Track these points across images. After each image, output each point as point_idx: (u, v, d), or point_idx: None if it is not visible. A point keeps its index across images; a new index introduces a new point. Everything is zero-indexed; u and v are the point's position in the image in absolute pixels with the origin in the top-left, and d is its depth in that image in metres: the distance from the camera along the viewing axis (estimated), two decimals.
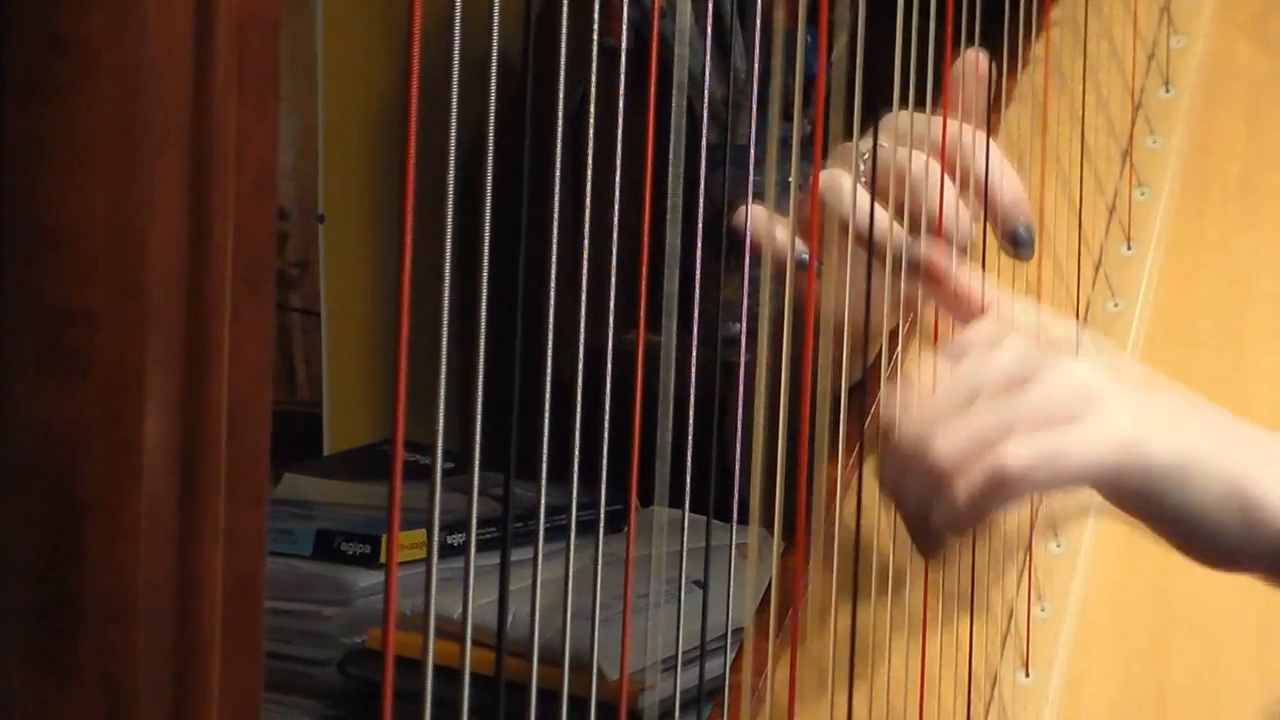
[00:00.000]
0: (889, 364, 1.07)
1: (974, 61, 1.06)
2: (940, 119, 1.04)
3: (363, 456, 2.23)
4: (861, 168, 1.01)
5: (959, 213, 1.02)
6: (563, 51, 0.73)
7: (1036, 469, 0.82)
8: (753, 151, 0.94)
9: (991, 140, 1.05)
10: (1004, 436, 0.83)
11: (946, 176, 1.02)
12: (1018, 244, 1.03)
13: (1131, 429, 0.84)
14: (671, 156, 0.82)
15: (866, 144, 1.02)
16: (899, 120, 1.03)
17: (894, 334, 1.07)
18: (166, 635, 0.55)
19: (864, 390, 1.07)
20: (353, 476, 2.14)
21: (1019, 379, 0.85)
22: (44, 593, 0.55)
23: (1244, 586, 1.00)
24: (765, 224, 0.98)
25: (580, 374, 0.74)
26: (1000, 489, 0.82)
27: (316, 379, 2.37)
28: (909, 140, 1.02)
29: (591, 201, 0.76)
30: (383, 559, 1.93)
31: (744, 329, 0.89)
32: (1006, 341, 0.87)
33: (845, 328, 0.95)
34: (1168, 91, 1.27)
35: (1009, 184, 1.03)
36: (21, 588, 0.55)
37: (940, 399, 0.84)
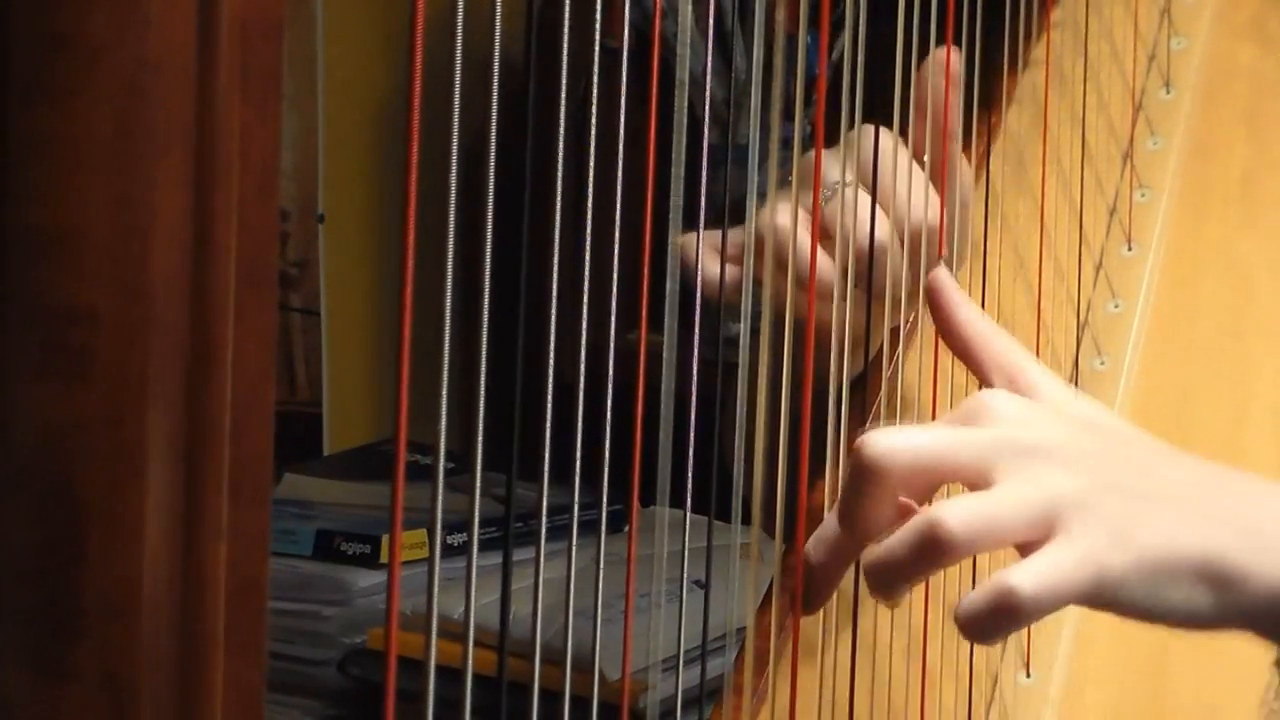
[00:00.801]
0: (889, 363, 1.07)
1: (942, 61, 1.06)
2: (905, 148, 1.04)
3: (363, 456, 2.24)
4: (824, 200, 1.02)
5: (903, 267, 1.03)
6: (565, 51, 0.73)
7: (1040, 597, 0.80)
8: (754, 152, 0.94)
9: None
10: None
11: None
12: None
13: (1100, 546, 0.80)
14: (674, 156, 0.82)
15: (834, 174, 1.01)
16: (864, 143, 1.02)
17: (895, 332, 1.07)
18: (169, 635, 0.55)
19: (865, 388, 1.07)
20: (353, 476, 2.14)
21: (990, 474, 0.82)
22: (45, 593, 0.55)
23: None
24: (694, 252, 0.98)
25: (581, 374, 0.74)
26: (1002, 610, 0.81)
27: (316, 379, 2.37)
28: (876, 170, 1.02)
29: (592, 201, 0.76)
30: (383, 559, 1.94)
31: (745, 328, 0.89)
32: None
33: (845, 328, 0.95)
34: (1168, 93, 1.27)
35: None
36: (23, 588, 0.55)
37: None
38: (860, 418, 1.06)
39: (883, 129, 1.02)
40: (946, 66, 1.05)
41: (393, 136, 2.44)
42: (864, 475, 0.82)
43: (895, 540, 0.81)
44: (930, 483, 0.83)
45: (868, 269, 1.02)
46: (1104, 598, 0.81)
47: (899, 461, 0.81)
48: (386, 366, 2.41)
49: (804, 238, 0.98)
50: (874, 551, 0.83)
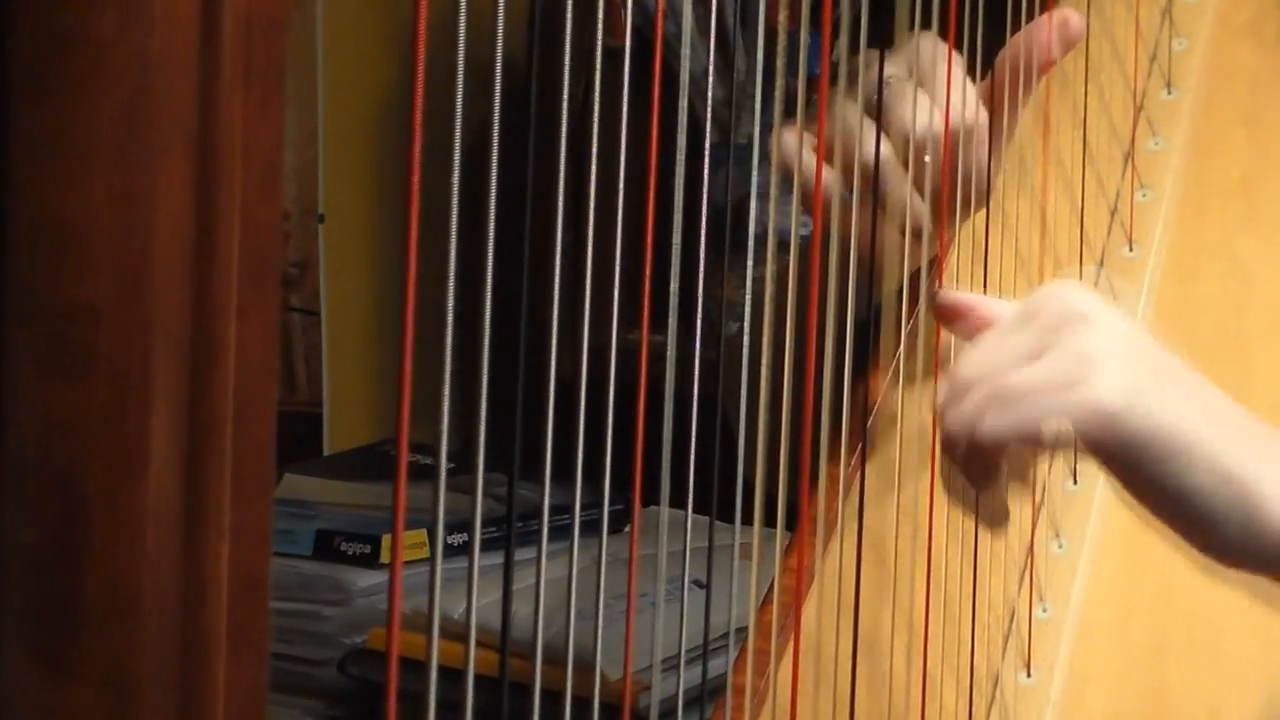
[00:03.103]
0: (891, 364, 1.07)
1: (1062, 21, 1.09)
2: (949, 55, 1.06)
3: (363, 456, 2.23)
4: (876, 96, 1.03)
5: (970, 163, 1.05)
6: (566, 51, 0.73)
7: (1011, 433, 0.85)
8: (756, 150, 0.94)
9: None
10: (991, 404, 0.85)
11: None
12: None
13: (1113, 399, 0.84)
14: (678, 156, 0.82)
15: (887, 68, 1.03)
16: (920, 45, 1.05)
17: (915, 277, 1.07)
18: (171, 631, 0.55)
19: (866, 388, 1.07)
20: (353, 476, 2.13)
21: (1037, 348, 0.86)
22: (48, 589, 0.55)
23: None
24: (795, 148, 1.00)
25: (584, 374, 0.74)
26: (986, 449, 0.85)
27: (316, 379, 2.37)
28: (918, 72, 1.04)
29: (593, 202, 0.76)
30: (383, 559, 1.94)
31: (746, 319, 0.89)
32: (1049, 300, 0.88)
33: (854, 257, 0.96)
34: (1169, 93, 1.27)
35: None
36: (25, 584, 0.55)
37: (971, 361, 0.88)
38: (862, 416, 1.06)
39: (931, 34, 1.04)
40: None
41: (393, 136, 2.44)
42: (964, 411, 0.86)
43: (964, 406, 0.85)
44: None
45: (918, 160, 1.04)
46: (1109, 449, 0.84)
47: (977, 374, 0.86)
48: (386, 366, 2.41)
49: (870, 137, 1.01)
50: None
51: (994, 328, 0.90)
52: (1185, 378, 0.88)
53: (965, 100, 1.06)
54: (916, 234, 1.03)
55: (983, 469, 0.86)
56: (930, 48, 1.06)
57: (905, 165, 1.04)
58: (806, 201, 0.97)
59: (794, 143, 1.00)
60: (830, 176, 1.02)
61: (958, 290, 0.94)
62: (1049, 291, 0.89)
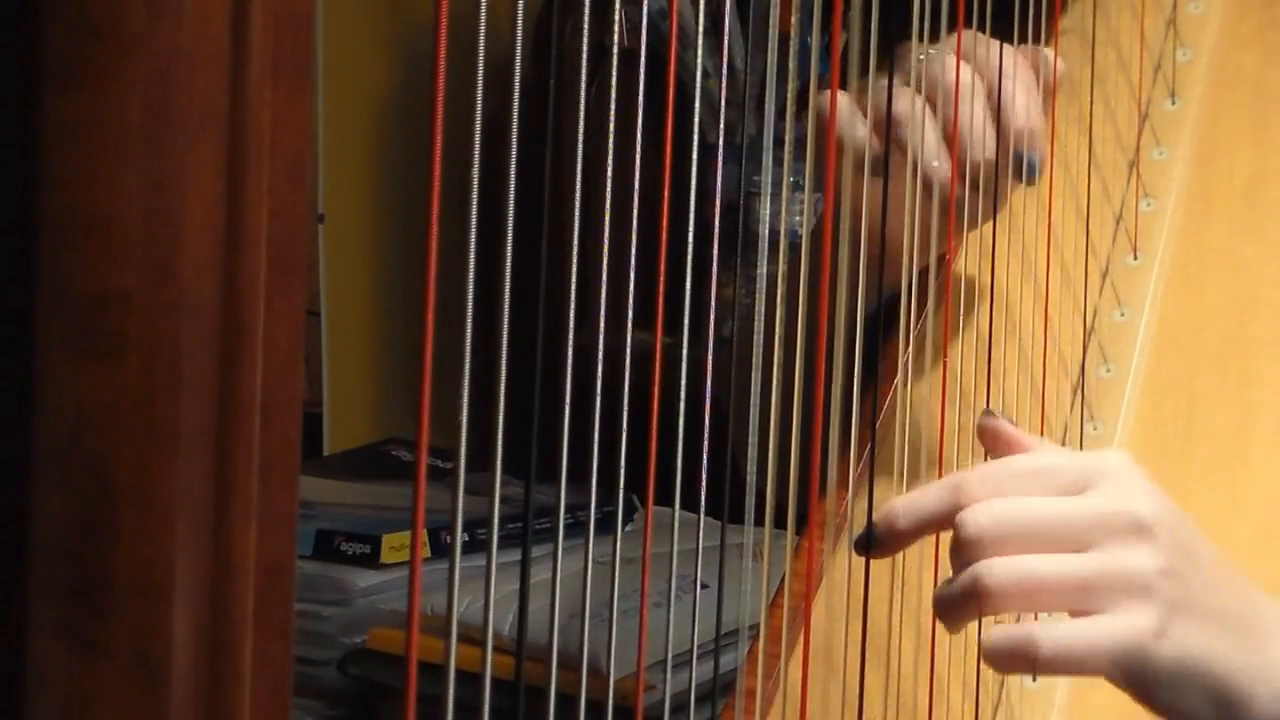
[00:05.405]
0: (904, 353, 1.08)
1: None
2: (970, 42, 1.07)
3: (363, 456, 2.24)
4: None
5: (986, 134, 1.06)
6: (584, 53, 0.73)
7: (1057, 659, 0.86)
8: (760, 147, 0.95)
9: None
10: (1049, 599, 0.86)
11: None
12: (1029, 173, 1.08)
13: (1151, 629, 0.85)
14: (682, 156, 0.82)
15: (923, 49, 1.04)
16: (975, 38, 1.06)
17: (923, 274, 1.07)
18: (200, 614, 0.56)
19: (875, 387, 1.08)
20: (353, 476, 2.14)
21: (1083, 530, 0.87)
22: (79, 571, 0.55)
23: None
24: (848, 115, 0.99)
25: (599, 374, 0.75)
26: (1020, 659, 0.86)
27: (316, 379, 2.38)
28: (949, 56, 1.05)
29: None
30: (383, 559, 1.94)
31: (761, 319, 0.89)
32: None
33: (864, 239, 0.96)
34: (1174, 103, 1.27)
35: (1031, 112, 1.07)
36: (57, 565, 0.55)
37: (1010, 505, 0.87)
38: (871, 415, 1.06)
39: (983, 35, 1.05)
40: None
41: (392, 136, 2.45)
42: (980, 602, 0.86)
43: (951, 585, 0.87)
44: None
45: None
46: (1129, 676, 0.86)
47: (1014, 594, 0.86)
48: (386, 366, 2.42)
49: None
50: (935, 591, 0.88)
51: (1034, 469, 0.89)
52: (1213, 596, 0.88)
53: (1030, 101, 1.07)
54: (943, 202, 1.04)
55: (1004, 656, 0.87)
56: (982, 40, 1.07)
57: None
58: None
59: (840, 101, 0.99)
60: (863, 132, 1.02)
61: (1005, 420, 0.93)
62: (1117, 472, 0.88)
